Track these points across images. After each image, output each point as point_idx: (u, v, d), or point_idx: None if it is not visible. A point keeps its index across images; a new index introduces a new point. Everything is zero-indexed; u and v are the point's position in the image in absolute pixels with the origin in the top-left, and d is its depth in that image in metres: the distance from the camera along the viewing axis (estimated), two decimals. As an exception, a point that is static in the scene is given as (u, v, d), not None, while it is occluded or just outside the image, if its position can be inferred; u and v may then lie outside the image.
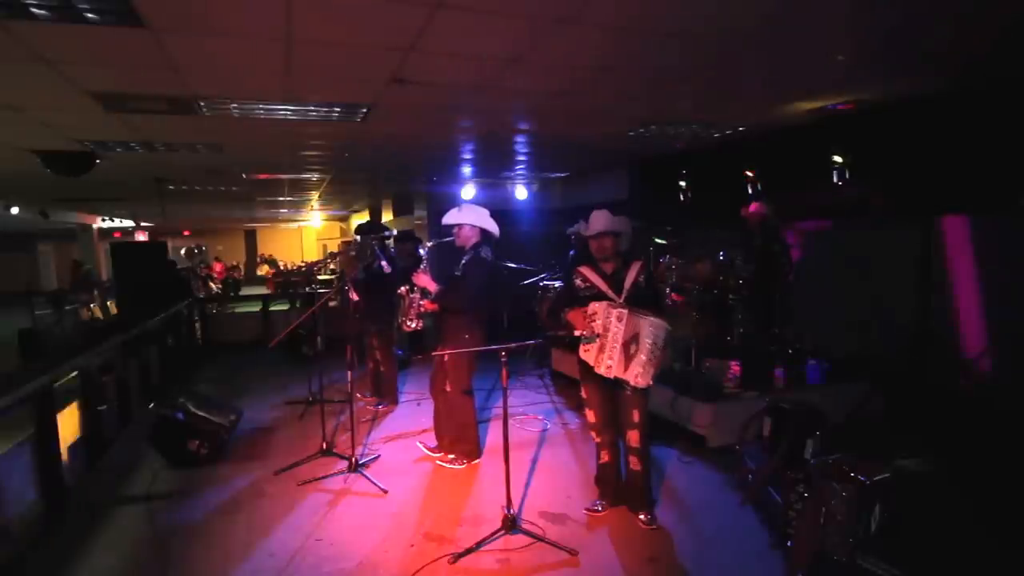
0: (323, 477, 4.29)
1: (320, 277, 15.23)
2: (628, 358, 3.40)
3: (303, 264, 20.01)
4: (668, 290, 5.85)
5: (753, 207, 5.83)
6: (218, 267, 20.12)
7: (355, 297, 5.52)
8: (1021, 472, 4.06)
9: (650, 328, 3.36)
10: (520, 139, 6.35)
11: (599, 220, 3.62)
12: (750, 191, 6.07)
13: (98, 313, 11.80)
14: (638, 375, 3.39)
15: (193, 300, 10.23)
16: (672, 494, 4.01)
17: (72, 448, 4.37)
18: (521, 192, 10.08)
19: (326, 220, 22.59)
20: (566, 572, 3.15)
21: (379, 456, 4.69)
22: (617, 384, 3.53)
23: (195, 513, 3.89)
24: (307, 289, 13.42)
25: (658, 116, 5.21)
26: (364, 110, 4.72)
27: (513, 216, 9.80)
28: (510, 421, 3.58)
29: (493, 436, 5.04)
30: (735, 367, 5.11)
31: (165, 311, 7.63)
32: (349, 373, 4.60)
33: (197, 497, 4.11)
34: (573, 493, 4.01)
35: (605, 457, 3.79)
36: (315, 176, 9.11)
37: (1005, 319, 5.04)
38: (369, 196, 13.89)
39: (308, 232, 26.07)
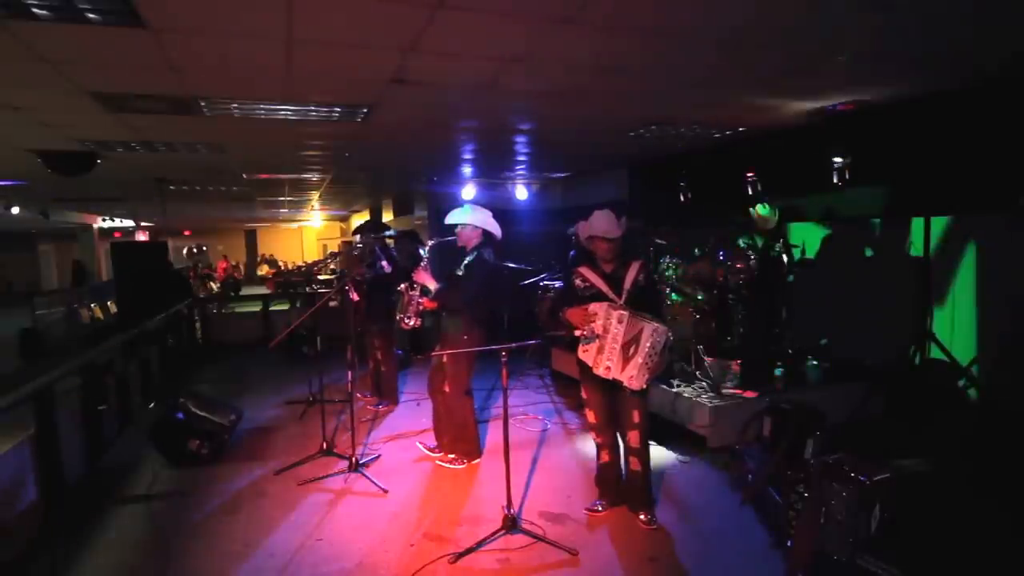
0: (323, 477, 4.29)
1: (320, 277, 15.23)
2: (626, 360, 3.40)
3: (303, 264, 20.02)
4: (668, 290, 5.85)
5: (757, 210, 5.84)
6: (222, 265, 20.19)
7: (355, 297, 5.53)
8: (1017, 472, 4.07)
9: (651, 332, 3.36)
10: (520, 139, 6.34)
11: (604, 222, 3.59)
12: (750, 192, 6.08)
13: (98, 313, 11.80)
14: (632, 377, 3.38)
15: (193, 300, 10.24)
16: (672, 494, 4.01)
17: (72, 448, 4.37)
18: (521, 192, 10.08)
19: (326, 220, 22.60)
20: (566, 572, 3.15)
21: (379, 456, 4.70)
22: (616, 385, 3.53)
23: (195, 513, 3.89)
24: (307, 289, 13.43)
25: (658, 116, 5.20)
26: (364, 110, 4.72)
27: (513, 216, 9.79)
28: (510, 421, 3.59)
29: (493, 436, 5.05)
30: (735, 367, 5.11)
31: (165, 311, 7.64)
32: (349, 373, 4.60)
33: (197, 497, 4.11)
34: (573, 493, 4.02)
35: (605, 457, 3.79)
36: (315, 176, 9.11)
37: (1004, 319, 5.05)
38: (369, 196, 13.89)
39: (308, 232, 26.10)
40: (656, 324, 3.38)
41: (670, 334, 3.45)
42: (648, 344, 3.35)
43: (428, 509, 3.87)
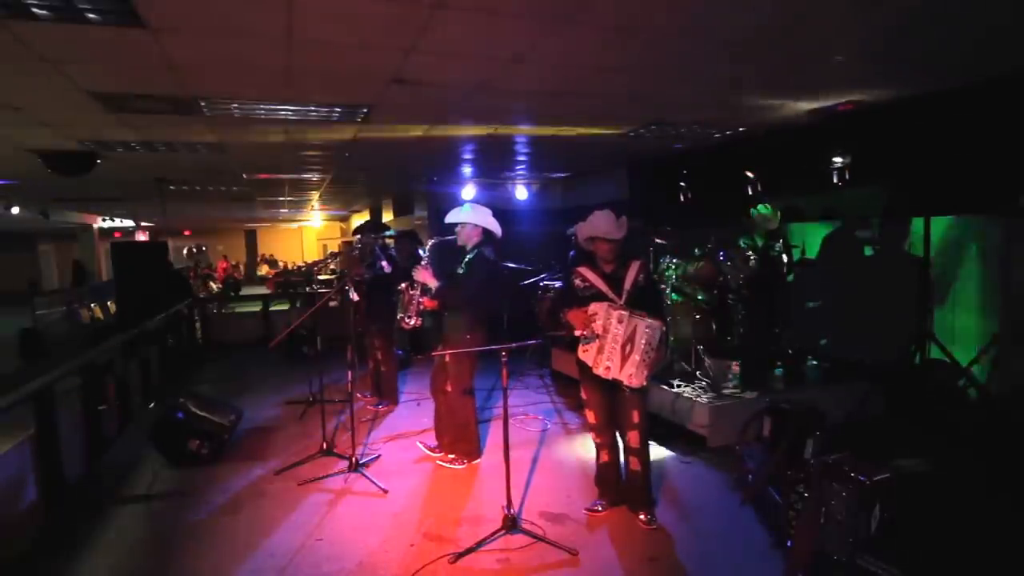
0: (323, 477, 4.29)
1: (320, 277, 15.24)
2: (624, 358, 3.40)
3: (303, 264, 20.04)
4: (668, 290, 5.85)
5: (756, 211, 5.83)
6: (222, 265, 20.22)
7: (356, 297, 5.53)
8: (1019, 472, 4.07)
9: (645, 328, 3.36)
10: (520, 139, 6.34)
11: (605, 222, 3.57)
12: (750, 191, 6.08)
13: (98, 313, 11.81)
14: (631, 375, 3.39)
15: (193, 300, 10.24)
16: (672, 494, 4.01)
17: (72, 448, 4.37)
18: (521, 192, 10.08)
19: (326, 220, 22.61)
20: (566, 572, 3.15)
21: (379, 456, 4.70)
22: (616, 385, 3.53)
23: (195, 513, 3.89)
24: (307, 289, 13.43)
25: (658, 116, 5.21)
26: (364, 110, 4.72)
27: (513, 216, 9.79)
28: (510, 421, 3.58)
29: (493, 436, 5.05)
30: (735, 367, 5.11)
31: (165, 311, 7.64)
32: (349, 373, 4.60)
33: (197, 497, 4.11)
34: (573, 493, 4.02)
35: (605, 457, 3.79)
36: (315, 176, 9.11)
37: (1004, 319, 5.05)
38: (369, 196, 13.89)
39: (308, 232, 26.10)
40: (649, 320, 3.38)
41: (663, 328, 3.45)
42: (643, 341, 3.35)
43: (428, 509, 3.87)
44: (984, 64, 3.91)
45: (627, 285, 3.56)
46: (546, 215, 10.35)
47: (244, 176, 8.71)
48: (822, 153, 5.26)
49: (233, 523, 3.73)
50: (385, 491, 4.07)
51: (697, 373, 5.24)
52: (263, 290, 14.38)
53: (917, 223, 5.52)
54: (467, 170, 8.65)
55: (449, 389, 4.48)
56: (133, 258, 9.42)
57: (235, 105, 4.46)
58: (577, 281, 3.68)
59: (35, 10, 2.66)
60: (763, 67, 3.85)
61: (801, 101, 4.72)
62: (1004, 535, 3.41)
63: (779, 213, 5.89)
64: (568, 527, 3.59)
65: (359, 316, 5.79)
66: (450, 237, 4.47)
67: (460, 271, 4.35)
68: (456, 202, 7.99)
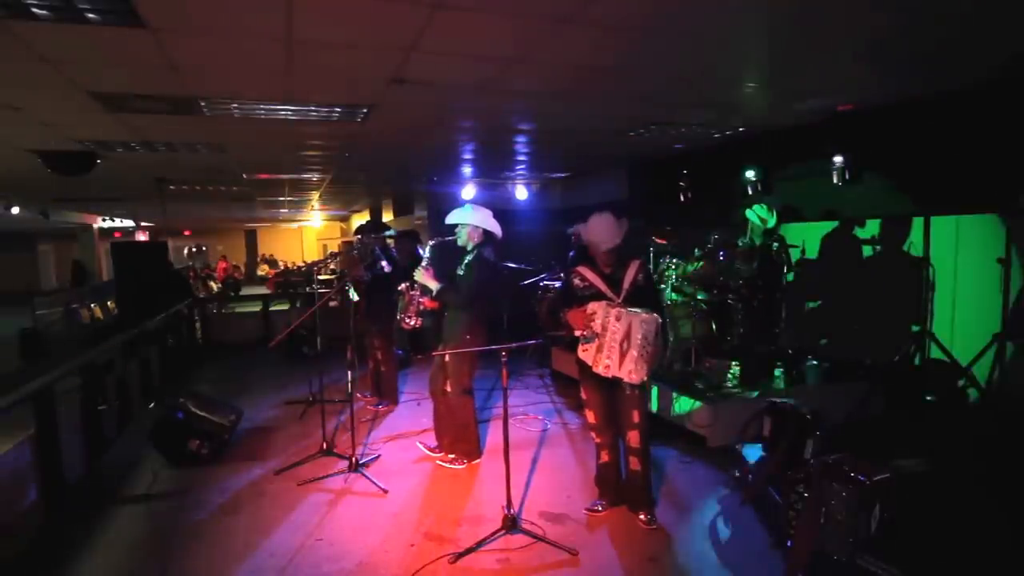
0: (323, 477, 4.29)
1: (320, 277, 15.24)
2: (622, 355, 3.40)
3: (303, 264, 20.06)
4: (668, 290, 5.85)
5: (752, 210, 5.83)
6: (222, 265, 20.25)
7: (356, 297, 5.53)
8: (1018, 472, 4.06)
9: (640, 323, 3.36)
10: (520, 139, 6.35)
11: (603, 230, 3.55)
12: (750, 192, 6.08)
13: (98, 313, 11.80)
14: (631, 371, 3.38)
15: (193, 300, 10.24)
16: (672, 494, 4.01)
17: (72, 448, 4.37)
18: (521, 192, 10.09)
19: (326, 220, 22.62)
20: (566, 572, 3.15)
21: (379, 456, 4.70)
22: (616, 384, 3.53)
23: (195, 513, 3.89)
24: (307, 289, 13.42)
25: (658, 116, 5.21)
26: (364, 110, 4.72)
27: (513, 216, 9.80)
28: (510, 421, 3.59)
29: (493, 436, 5.05)
30: (735, 367, 5.11)
31: (165, 311, 7.64)
32: (349, 373, 4.60)
33: (197, 497, 4.11)
34: (573, 493, 4.02)
35: (605, 457, 3.79)
36: (315, 176, 9.11)
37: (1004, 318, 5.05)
38: (369, 196, 13.90)
39: (308, 232, 26.11)
40: (644, 315, 3.38)
41: (659, 320, 3.44)
42: (639, 335, 3.34)
43: (428, 509, 3.87)
44: (984, 65, 3.91)
45: (626, 285, 3.56)
46: (546, 215, 10.35)
47: (244, 176, 8.71)
48: (822, 153, 5.26)
49: (233, 523, 3.73)
50: (385, 491, 4.07)
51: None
52: (263, 290, 14.38)
53: (916, 222, 5.52)
54: (467, 170, 8.65)
55: (448, 389, 4.48)
56: (133, 258, 9.43)
57: (235, 105, 4.46)
58: (576, 281, 3.68)
59: (35, 10, 2.66)
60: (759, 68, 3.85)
61: (801, 101, 4.72)
62: (1003, 535, 3.41)
63: (775, 213, 5.89)
64: (568, 527, 3.59)
65: (359, 316, 5.78)
66: (451, 237, 4.47)
67: (460, 272, 4.35)
68: (456, 202, 8.01)
